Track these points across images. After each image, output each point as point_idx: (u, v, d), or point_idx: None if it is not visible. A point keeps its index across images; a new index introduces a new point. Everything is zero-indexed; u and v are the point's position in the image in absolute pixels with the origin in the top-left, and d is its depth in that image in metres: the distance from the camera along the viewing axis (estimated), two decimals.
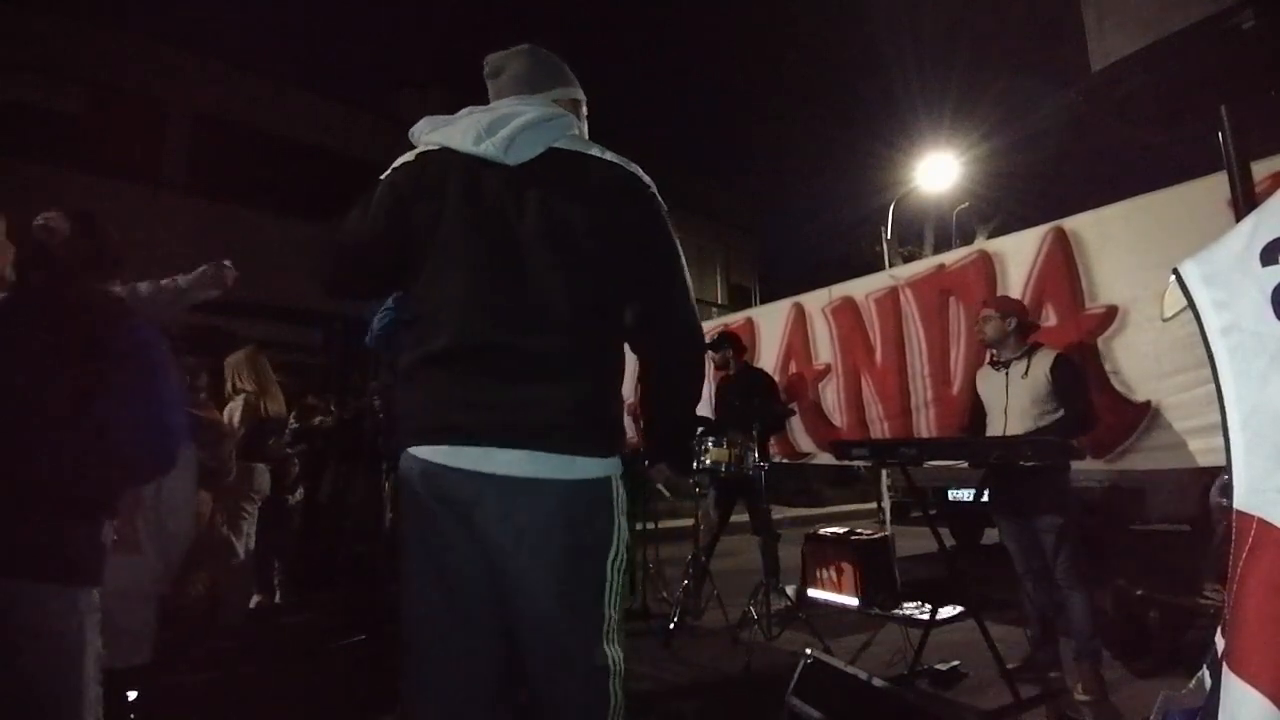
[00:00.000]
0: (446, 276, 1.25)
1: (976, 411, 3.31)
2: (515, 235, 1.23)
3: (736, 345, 4.75)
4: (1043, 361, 3.00)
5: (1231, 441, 0.97)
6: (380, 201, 1.30)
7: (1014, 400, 3.05)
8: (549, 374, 1.19)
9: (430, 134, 1.33)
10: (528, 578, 1.18)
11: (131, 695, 2.29)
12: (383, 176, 1.33)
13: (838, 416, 5.02)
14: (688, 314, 1.35)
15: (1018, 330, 3.13)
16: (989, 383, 3.22)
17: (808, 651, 2.23)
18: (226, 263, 2.74)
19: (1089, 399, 2.98)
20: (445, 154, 1.29)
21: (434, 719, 1.22)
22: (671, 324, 1.34)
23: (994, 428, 3.14)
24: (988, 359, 3.33)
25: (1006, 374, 3.11)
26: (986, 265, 4.08)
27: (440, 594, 1.20)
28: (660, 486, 4.86)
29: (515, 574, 1.18)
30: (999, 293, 3.87)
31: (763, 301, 8.28)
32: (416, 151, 1.33)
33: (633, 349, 1.37)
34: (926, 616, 2.98)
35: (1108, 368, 3.39)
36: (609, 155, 1.31)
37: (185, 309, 2.77)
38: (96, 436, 1.31)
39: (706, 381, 6.01)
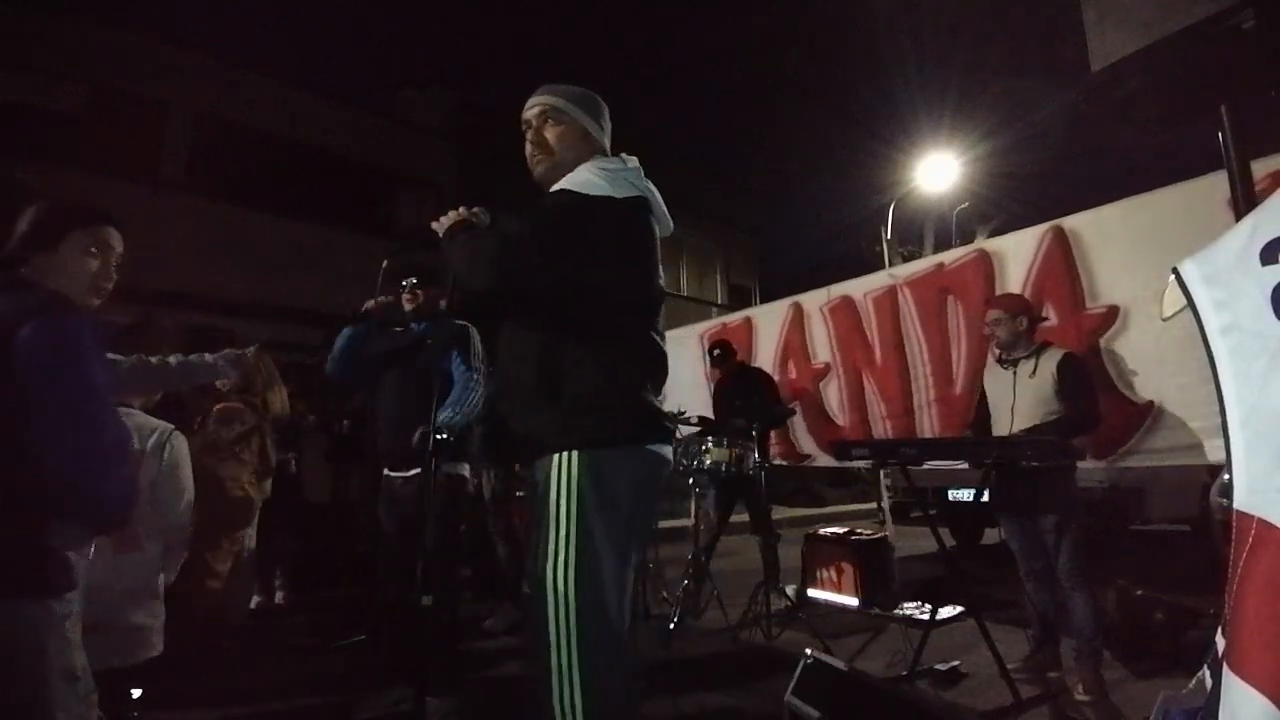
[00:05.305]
0: (629, 303, 1.56)
1: (982, 410, 3.30)
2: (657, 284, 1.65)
3: (726, 349, 4.95)
4: (1050, 360, 2.98)
5: (1231, 441, 0.97)
6: (606, 220, 1.50)
7: (1020, 399, 3.04)
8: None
9: (639, 181, 1.61)
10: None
11: (136, 693, 2.29)
12: (602, 194, 1.51)
13: (839, 417, 5.02)
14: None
15: (1028, 329, 3.12)
16: (996, 381, 3.21)
17: (808, 651, 2.22)
18: (249, 350, 2.34)
19: (1093, 398, 2.96)
20: (647, 204, 1.61)
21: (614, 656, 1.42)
22: None
23: (1000, 426, 3.13)
24: (993, 357, 3.32)
25: (1014, 373, 3.09)
26: (985, 264, 4.08)
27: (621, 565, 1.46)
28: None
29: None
30: (998, 292, 3.85)
31: (762, 301, 8.27)
32: (635, 193, 1.57)
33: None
34: (926, 616, 2.98)
35: (1109, 368, 3.39)
36: None
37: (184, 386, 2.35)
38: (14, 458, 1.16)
39: (705, 383, 6.01)
